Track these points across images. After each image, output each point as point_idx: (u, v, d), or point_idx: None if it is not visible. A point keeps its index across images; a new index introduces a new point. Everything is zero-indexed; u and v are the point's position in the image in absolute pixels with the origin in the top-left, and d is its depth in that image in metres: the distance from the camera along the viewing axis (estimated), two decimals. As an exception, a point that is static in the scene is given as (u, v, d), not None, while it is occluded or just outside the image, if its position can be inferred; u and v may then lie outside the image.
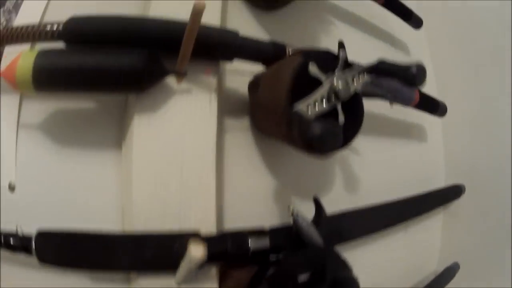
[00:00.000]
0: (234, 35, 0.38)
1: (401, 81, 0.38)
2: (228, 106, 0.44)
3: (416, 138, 0.66)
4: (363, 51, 0.62)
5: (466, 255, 0.61)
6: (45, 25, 0.37)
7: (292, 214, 0.38)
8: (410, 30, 0.66)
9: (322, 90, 0.36)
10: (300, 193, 0.48)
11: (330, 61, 0.39)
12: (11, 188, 0.36)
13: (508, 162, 0.58)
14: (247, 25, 0.51)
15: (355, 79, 0.38)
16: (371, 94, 0.45)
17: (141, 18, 0.38)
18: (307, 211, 0.41)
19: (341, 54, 0.38)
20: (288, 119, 0.33)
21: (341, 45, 0.42)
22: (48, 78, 0.35)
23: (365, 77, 0.39)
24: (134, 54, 0.34)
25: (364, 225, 0.49)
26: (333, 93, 0.36)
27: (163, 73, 0.36)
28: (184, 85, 0.38)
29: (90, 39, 0.36)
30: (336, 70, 0.37)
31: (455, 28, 0.67)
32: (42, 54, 0.35)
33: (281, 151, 0.47)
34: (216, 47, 0.38)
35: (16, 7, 0.47)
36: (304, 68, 0.36)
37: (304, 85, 0.36)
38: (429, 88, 0.66)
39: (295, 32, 0.54)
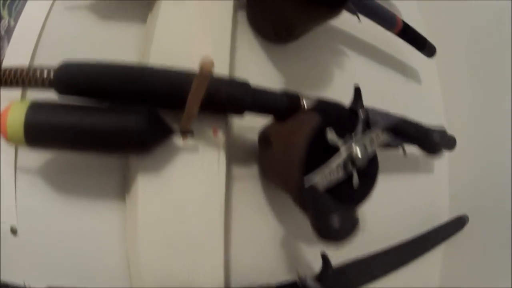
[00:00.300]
0: (245, 88, 0.36)
1: (420, 147, 0.35)
2: (236, 153, 0.42)
3: (423, 171, 0.65)
4: (374, 80, 0.60)
5: (466, 284, 0.61)
6: (36, 71, 0.34)
7: (300, 278, 0.38)
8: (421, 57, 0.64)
9: (339, 159, 0.33)
10: (308, 241, 0.46)
11: (348, 118, 0.37)
12: (13, 231, 0.35)
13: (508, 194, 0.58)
14: (256, 58, 0.48)
15: (373, 141, 0.36)
16: (384, 146, 0.43)
17: (141, 68, 0.35)
18: (315, 259, 0.41)
19: (361, 115, 0.36)
20: (301, 196, 0.31)
21: (359, 104, 0.40)
22: (40, 137, 0.32)
23: (384, 137, 0.37)
24: (135, 115, 0.32)
25: (368, 273, 0.48)
26: (350, 160, 0.34)
27: (168, 134, 0.33)
28: (190, 142, 0.35)
29: (84, 90, 0.33)
30: (354, 134, 0.35)
31: (466, 62, 0.65)
32: (33, 109, 0.32)
33: (289, 200, 0.45)
34: (225, 103, 0.35)
35: (9, 32, 0.43)
36: (319, 132, 0.34)
37: (319, 147, 0.34)
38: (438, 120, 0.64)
39: (307, 65, 0.51)
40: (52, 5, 0.43)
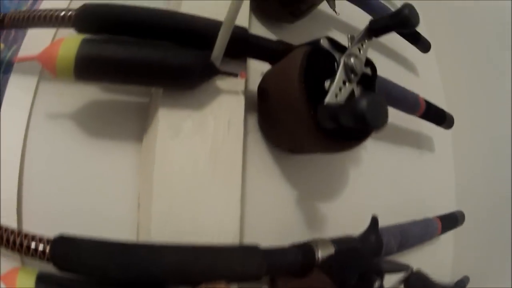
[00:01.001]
0: (257, 258, 0.33)
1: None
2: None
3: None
4: (389, 160, 0.57)
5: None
6: (30, 241, 0.30)
7: None
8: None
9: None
10: None
11: (364, 278, 0.35)
12: None
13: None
14: (268, 168, 0.44)
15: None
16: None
17: (148, 248, 0.32)
18: None
19: (378, 282, 0.35)
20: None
21: (374, 232, 0.39)
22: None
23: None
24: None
25: None
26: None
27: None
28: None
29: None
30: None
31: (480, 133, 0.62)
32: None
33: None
34: (238, 278, 0.33)
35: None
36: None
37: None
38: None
39: (318, 176, 0.48)
40: (29, 116, 0.37)
